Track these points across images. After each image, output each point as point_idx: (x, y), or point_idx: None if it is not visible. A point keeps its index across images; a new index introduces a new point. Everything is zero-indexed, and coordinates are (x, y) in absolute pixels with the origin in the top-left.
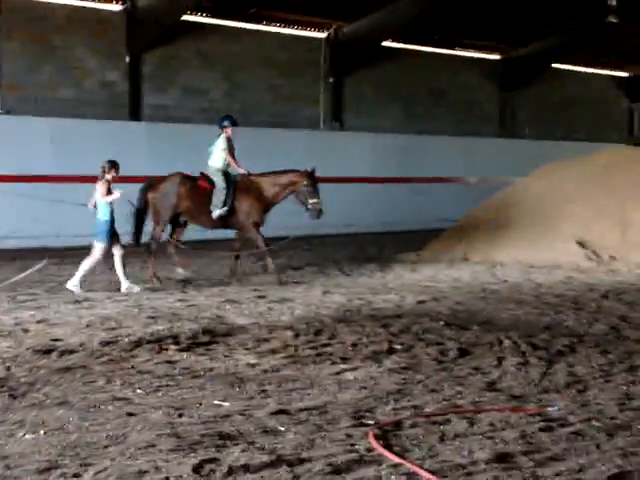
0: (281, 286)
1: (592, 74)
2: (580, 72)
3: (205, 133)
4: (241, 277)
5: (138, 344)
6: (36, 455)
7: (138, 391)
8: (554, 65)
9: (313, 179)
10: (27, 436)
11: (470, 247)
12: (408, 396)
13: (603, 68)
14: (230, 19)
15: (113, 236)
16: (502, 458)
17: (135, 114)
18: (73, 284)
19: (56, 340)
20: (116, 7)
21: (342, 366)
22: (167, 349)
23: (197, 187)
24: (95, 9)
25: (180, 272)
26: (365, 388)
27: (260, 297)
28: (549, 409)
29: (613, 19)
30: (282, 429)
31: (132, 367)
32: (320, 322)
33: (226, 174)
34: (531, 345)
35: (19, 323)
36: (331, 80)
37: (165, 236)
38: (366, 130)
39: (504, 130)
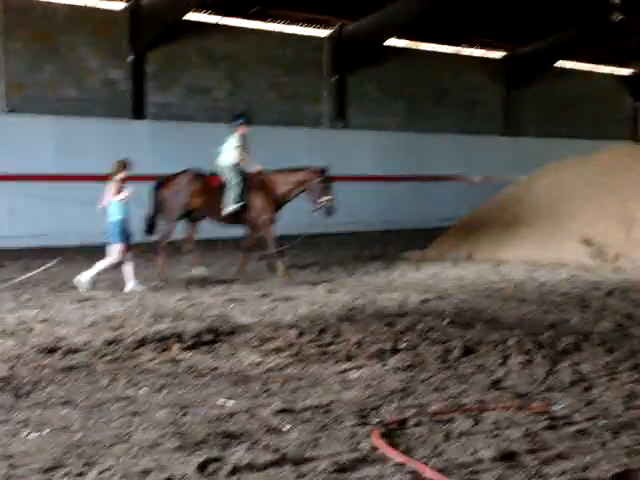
0: (285, 285)
1: (596, 72)
2: (584, 70)
3: (209, 132)
4: (247, 274)
5: (142, 343)
6: (40, 454)
7: (142, 390)
8: (558, 63)
9: (326, 177)
10: (31, 435)
11: (474, 246)
12: (412, 395)
13: (607, 65)
14: (234, 17)
15: (129, 236)
16: (507, 456)
17: (138, 113)
18: (84, 279)
19: (60, 339)
20: (119, 5)
21: (346, 365)
22: (171, 348)
23: (209, 184)
24: (98, 8)
25: (195, 272)
26: (369, 387)
27: (264, 296)
28: (554, 407)
29: (617, 16)
30: (286, 428)
31: (136, 366)
32: (324, 321)
33: (238, 170)
34: (536, 343)
35: (23, 322)
36: (334, 78)
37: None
38: (369, 128)
39: (508, 128)
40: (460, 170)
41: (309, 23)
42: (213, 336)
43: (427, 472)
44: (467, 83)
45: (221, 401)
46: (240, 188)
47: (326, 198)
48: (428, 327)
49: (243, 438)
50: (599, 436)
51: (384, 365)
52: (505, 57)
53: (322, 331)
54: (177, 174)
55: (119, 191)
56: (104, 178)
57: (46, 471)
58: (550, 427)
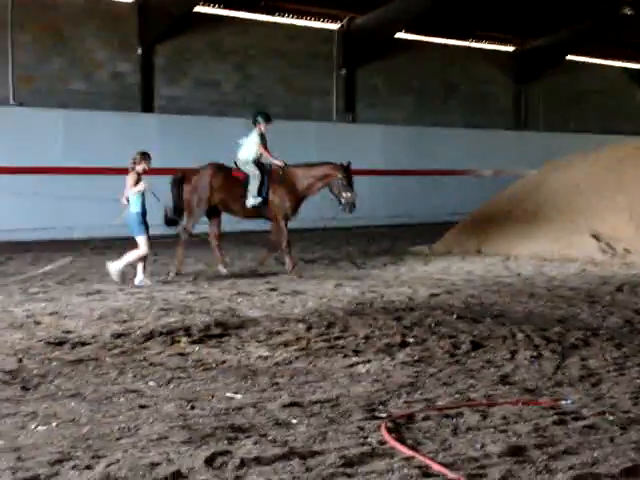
0: (293, 279)
1: (606, 66)
2: (594, 64)
3: (217, 125)
4: (261, 268)
5: (150, 336)
6: (48, 447)
7: (150, 383)
8: (568, 57)
9: (348, 172)
10: (39, 428)
11: (483, 240)
12: (421, 389)
13: (617, 60)
14: (242, 10)
15: (147, 228)
16: (515, 451)
17: (147, 106)
18: (114, 272)
19: (68, 332)
20: None
21: (354, 359)
22: (179, 342)
23: (231, 177)
24: (107, 1)
25: (222, 269)
26: (377, 381)
27: (272, 290)
28: (562, 402)
29: (628, 11)
30: (294, 422)
31: (144, 359)
32: (332, 315)
33: (258, 164)
34: (544, 338)
35: (31, 315)
36: (343, 72)
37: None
38: (378, 122)
39: (517, 123)
40: (469, 164)
41: (318, 17)
42: (221, 330)
43: (435, 466)
44: (476, 77)
45: (229, 395)
46: (261, 182)
47: (348, 194)
48: (436, 321)
49: (251, 432)
50: (607, 431)
51: (392, 359)
52: (515, 51)
53: (330, 325)
54: (199, 168)
55: (137, 183)
56: (113, 171)
57: (54, 464)
58: (559, 422)
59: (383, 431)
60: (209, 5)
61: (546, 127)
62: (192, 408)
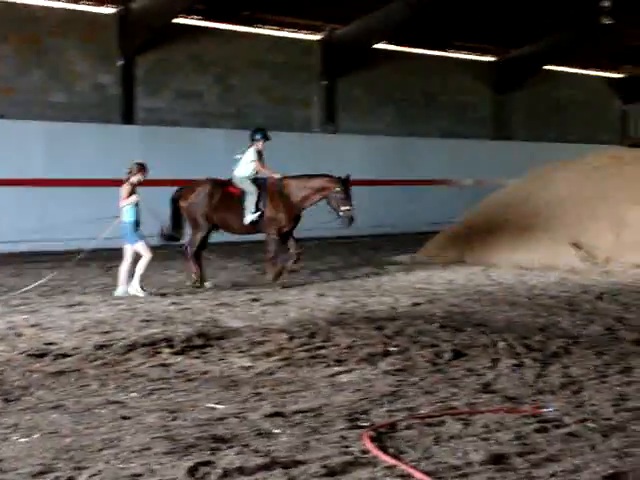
0: (275, 289)
1: (586, 75)
2: (574, 73)
3: (199, 136)
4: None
5: (132, 348)
6: (30, 458)
7: (132, 394)
8: (548, 67)
9: (346, 185)
10: (21, 440)
11: (464, 249)
12: (403, 398)
13: (597, 69)
14: (223, 22)
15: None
16: (497, 459)
17: (128, 118)
18: (135, 289)
19: (50, 344)
20: (109, 10)
21: (336, 369)
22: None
23: (228, 194)
24: (87, 12)
25: (208, 283)
26: (359, 390)
27: (254, 300)
28: (544, 410)
29: (606, 20)
30: (277, 432)
31: (126, 370)
32: (314, 325)
33: (254, 180)
34: (526, 347)
35: (13, 327)
36: (324, 83)
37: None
38: (359, 133)
39: (498, 132)
40: (450, 174)
41: (299, 28)
42: (203, 340)
43: (417, 475)
44: (457, 87)
45: (211, 405)
46: (257, 197)
47: (346, 208)
48: (418, 331)
49: (233, 442)
50: (589, 439)
51: (374, 369)
52: (495, 61)
53: (312, 335)
54: (196, 184)
55: (131, 194)
56: (95, 182)
57: (35, 476)
58: (540, 430)
59: (365, 440)
60: (190, 16)
61: (526, 137)
62: (174, 419)
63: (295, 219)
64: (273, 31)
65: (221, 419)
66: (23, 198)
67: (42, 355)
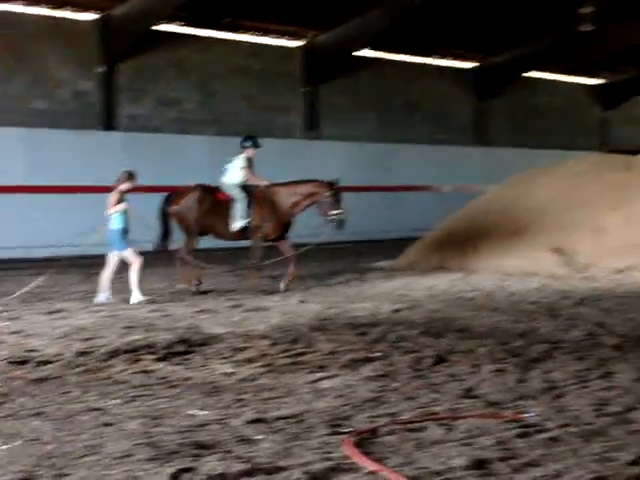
0: (257, 296)
1: (566, 82)
2: (554, 80)
3: (180, 143)
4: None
5: (114, 354)
6: (11, 466)
7: (114, 401)
8: (528, 73)
9: (335, 190)
10: (2, 447)
11: (445, 255)
12: (385, 404)
13: (576, 76)
14: (204, 28)
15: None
16: (479, 464)
17: (108, 124)
18: (136, 298)
19: (31, 351)
20: (90, 17)
21: (318, 375)
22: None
23: (217, 200)
24: (68, 19)
25: (180, 286)
26: (342, 396)
27: (236, 306)
28: (525, 415)
29: (586, 27)
30: (258, 438)
31: (108, 377)
32: (296, 331)
33: (243, 186)
34: (507, 352)
35: None
36: (306, 89)
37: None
38: (341, 139)
39: (479, 139)
40: (431, 180)
41: (280, 34)
42: (185, 347)
43: None
44: (438, 94)
45: (193, 412)
46: (246, 204)
47: (336, 212)
48: (400, 337)
49: (215, 448)
50: (570, 443)
51: (356, 374)
52: (476, 68)
53: (294, 341)
54: (186, 189)
55: (120, 201)
56: (76, 189)
57: None
58: (522, 435)
59: (347, 446)
60: (171, 23)
61: (506, 143)
62: (156, 425)
63: (284, 226)
64: (254, 38)
65: (203, 425)
66: (3, 205)
67: (23, 362)
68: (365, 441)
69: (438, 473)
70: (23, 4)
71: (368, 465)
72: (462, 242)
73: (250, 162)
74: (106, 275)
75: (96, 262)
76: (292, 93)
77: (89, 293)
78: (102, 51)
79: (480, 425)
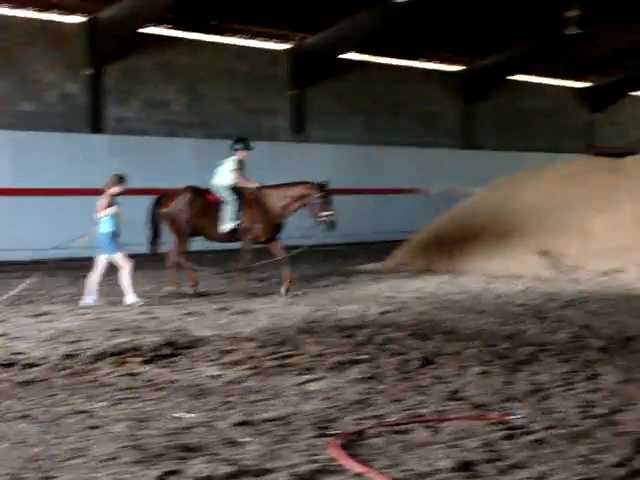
0: (244, 298)
1: (552, 85)
2: (540, 83)
3: (167, 145)
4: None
5: (100, 357)
6: None
7: (100, 404)
8: (515, 76)
9: (326, 191)
10: None
11: (433, 258)
12: (371, 406)
13: (563, 79)
14: (191, 31)
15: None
16: (465, 466)
17: (96, 127)
18: (131, 300)
19: (17, 354)
20: (77, 19)
21: (306, 377)
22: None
23: (207, 202)
24: (55, 21)
25: (168, 288)
26: (328, 399)
27: (223, 309)
28: (511, 417)
29: (572, 31)
30: (245, 440)
31: (94, 380)
32: (283, 333)
33: (233, 189)
34: (493, 354)
35: None
36: (293, 92)
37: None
38: (328, 142)
39: (465, 141)
40: (419, 183)
41: (267, 37)
42: (172, 349)
43: None
44: (425, 96)
45: (180, 414)
46: (236, 206)
47: (327, 213)
48: (387, 339)
49: (202, 451)
50: (556, 445)
51: (343, 377)
52: (462, 70)
53: (281, 343)
54: (176, 191)
55: (109, 205)
56: (63, 192)
57: None
58: (508, 437)
59: (334, 448)
60: (158, 26)
61: (494, 146)
62: (143, 428)
63: (275, 228)
64: (241, 40)
65: (189, 428)
66: None
67: (10, 365)
68: (352, 443)
69: (424, 475)
70: (10, 7)
71: (354, 467)
72: (449, 244)
73: (241, 164)
74: (94, 278)
75: (84, 265)
76: (279, 96)
77: (75, 296)
78: (89, 54)
79: (466, 427)
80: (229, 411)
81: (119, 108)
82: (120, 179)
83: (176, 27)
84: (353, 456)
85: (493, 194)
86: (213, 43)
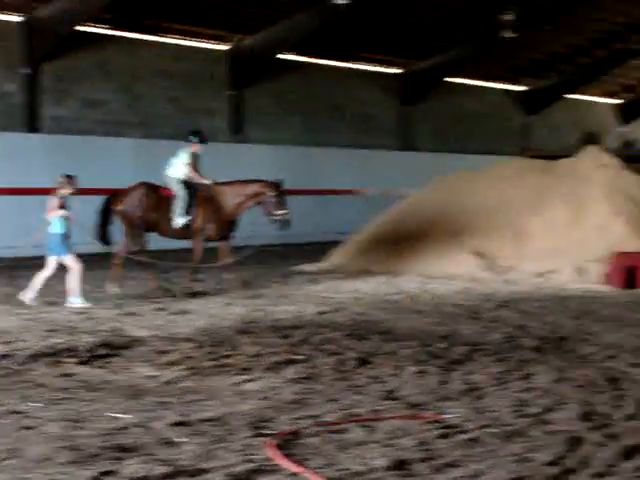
0: (181, 298)
1: (488, 88)
2: (476, 86)
3: (105, 145)
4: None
5: (35, 357)
6: None
7: (35, 404)
8: (451, 79)
9: (280, 190)
10: None
11: (370, 259)
12: (308, 406)
13: (499, 82)
14: (129, 31)
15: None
16: (400, 465)
17: (32, 126)
18: (76, 302)
19: None
20: (14, 18)
21: (242, 377)
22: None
23: (162, 197)
24: None
25: (111, 288)
26: (265, 399)
27: (160, 309)
28: (446, 416)
29: (508, 34)
30: (182, 440)
31: (29, 380)
32: (221, 334)
33: (186, 183)
34: (429, 354)
35: None
36: (231, 92)
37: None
38: (267, 143)
39: (403, 143)
40: (356, 184)
41: (205, 37)
42: (108, 350)
43: None
44: (362, 98)
45: (115, 415)
46: (188, 201)
47: (281, 212)
48: (324, 339)
49: (138, 451)
50: (490, 444)
51: (280, 377)
52: (400, 73)
53: (219, 344)
54: (129, 188)
55: (61, 206)
56: (8, 191)
57: None
58: (442, 436)
59: (269, 448)
60: (95, 25)
61: (431, 148)
62: (78, 429)
63: (228, 226)
64: (179, 40)
65: (125, 428)
66: None
67: None
68: (288, 443)
69: (359, 474)
70: None
71: (290, 467)
72: (387, 245)
73: (195, 158)
74: (42, 276)
75: (21, 264)
76: (218, 96)
77: (10, 295)
78: (26, 52)
79: (402, 426)
80: (165, 411)
81: (56, 107)
82: (69, 179)
83: (114, 26)
84: (289, 456)
85: (430, 195)
86: (151, 43)
